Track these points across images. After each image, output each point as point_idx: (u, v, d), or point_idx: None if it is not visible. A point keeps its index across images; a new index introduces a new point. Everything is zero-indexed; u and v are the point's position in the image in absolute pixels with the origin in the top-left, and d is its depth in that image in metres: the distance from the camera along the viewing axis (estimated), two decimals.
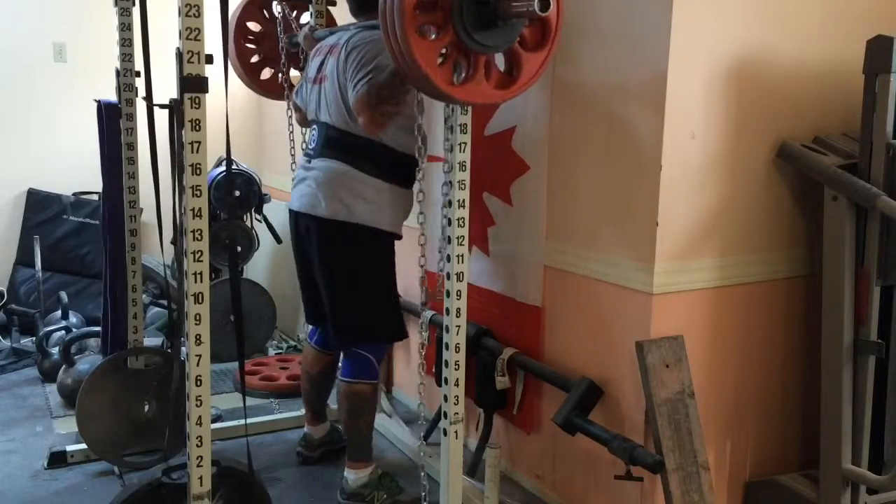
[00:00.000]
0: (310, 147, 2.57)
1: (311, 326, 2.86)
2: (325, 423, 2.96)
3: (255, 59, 3.09)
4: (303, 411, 3.23)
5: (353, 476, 2.60)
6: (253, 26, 3.06)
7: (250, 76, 3.09)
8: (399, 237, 2.59)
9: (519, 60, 1.70)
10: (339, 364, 2.72)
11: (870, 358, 2.18)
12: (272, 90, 3.09)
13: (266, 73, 3.12)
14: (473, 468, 2.78)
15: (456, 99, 1.71)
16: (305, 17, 3.05)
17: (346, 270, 2.51)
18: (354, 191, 2.43)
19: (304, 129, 2.81)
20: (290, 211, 2.59)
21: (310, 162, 2.53)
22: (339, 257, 2.50)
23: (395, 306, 2.63)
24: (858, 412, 2.20)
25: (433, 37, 1.61)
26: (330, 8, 3.01)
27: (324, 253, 2.52)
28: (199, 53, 1.69)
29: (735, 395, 2.41)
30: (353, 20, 2.60)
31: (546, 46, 1.74)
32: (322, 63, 2.51)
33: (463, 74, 1.69)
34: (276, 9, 3.03)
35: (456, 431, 2.09)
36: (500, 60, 1.81)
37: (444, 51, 1.65)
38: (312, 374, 2.86)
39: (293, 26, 2.95)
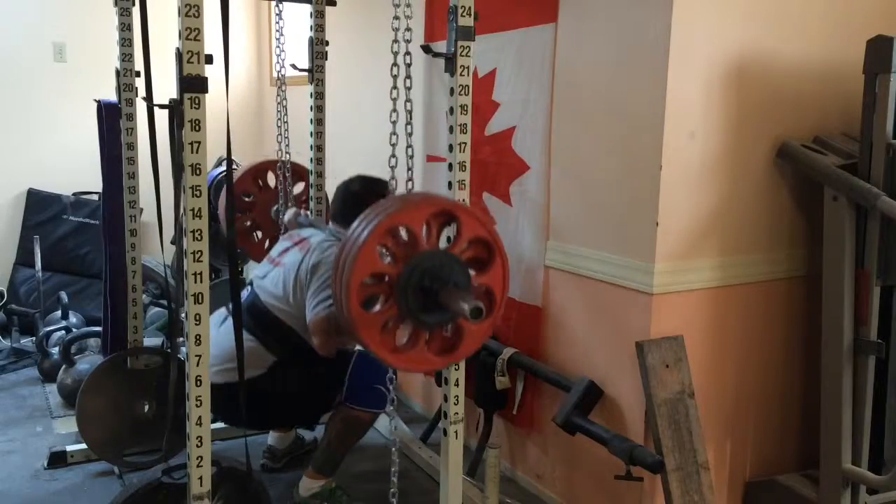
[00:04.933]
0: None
1: None
2: (291, 432, 2.94)
3: (246, 223, 3.20)
4: None
5: (308, 485, 2.57)
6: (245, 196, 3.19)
7: (241, 240, 3.18)
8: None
9: (461, 332, 1.72)
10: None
11: (870, 358, 2.18)
12: (262, 254, 3.07)
13: (256, 237, 3.20)
14: (473, 468, 2.78)
15: (394, 366, 1.74)
16: (299, 187, 3.17)
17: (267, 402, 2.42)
18: (252, 362, 2.34)
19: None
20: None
21: (225, 321, 2.46)
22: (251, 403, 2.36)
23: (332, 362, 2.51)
24: (858, 412, 2.20)
25: (378, 307, 1.64)
26: (329, 8, 3.01)
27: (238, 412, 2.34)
28: (198, 53, 1.69)
29: (735, 395, 2.41)
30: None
31: (490, 318, 1.73)
32: (286, 249, 2.56)
33: (405, 340, 1.70)
34: (271, 179, 3.17)
35: (456, 431, 2.09)
36: None
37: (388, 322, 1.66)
38: None
39: (282, 196, 3.04)
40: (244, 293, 2.56)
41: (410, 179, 1.99)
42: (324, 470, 2.59)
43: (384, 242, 1.61)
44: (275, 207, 3.11)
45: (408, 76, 1.95)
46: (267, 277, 2.54)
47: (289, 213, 2.90)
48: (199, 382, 1.81)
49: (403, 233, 1.65)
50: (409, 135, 1.94)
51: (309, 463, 2.63)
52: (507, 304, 2.76)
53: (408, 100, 1.89)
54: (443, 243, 1.72)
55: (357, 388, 2.52)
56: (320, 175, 3.06)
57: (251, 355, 2.37)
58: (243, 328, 2.32)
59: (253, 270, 2.80)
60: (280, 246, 2.65)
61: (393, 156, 1.98)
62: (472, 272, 1.68)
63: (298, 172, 3.13)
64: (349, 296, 1.58)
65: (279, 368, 2.46)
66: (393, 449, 1.98)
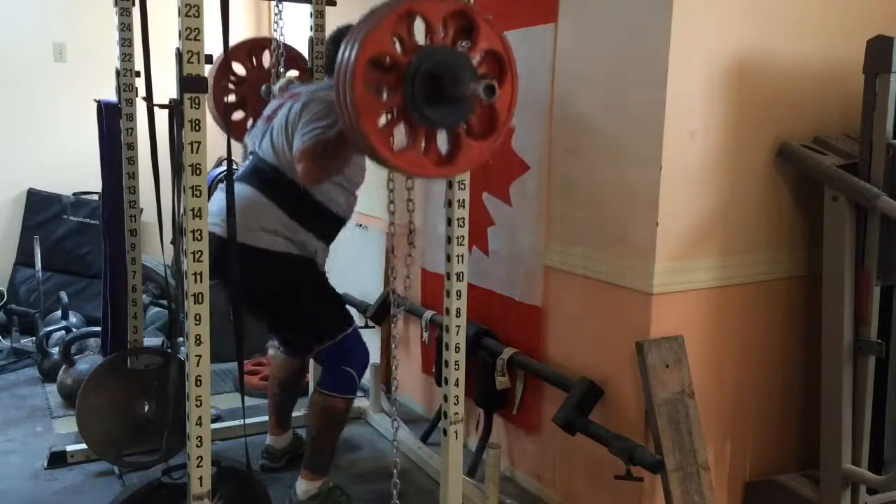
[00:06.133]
0: (236, 176, 2.53)
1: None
2: (289, 432, 2.95)
3: (230, 98, 3.11)
4: (303, 411, 3.24)
5: (304, 487, 2.56)
6: (237, 68, 3.10)
7: (221, 113, 3.07)
8: (311, 261, 2.52)
9: (460, 145, 1.69)
10: (317, 373, 2.66)
11: (870, 358, 2.18)
12: (240, 133, 3.03)
13: (237, 116, 3.13)
14: (473, 468, 2.78)
15: (390, 163, 1.67)
16: (292, 74, 3.07)
17: (266, 292, 2.47)
18: (265, 221, 2.38)
19: None
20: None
21: None
22: (254, 281, 2.40)
23: (332, 309, 2.58)
24: (858, 412, 2.20)
25: (383, 97, 1.61)
26: (329, 8, 3.01)
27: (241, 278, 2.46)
28: (198, 53, 1.69)
29: (735, 395, 2.41)
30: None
31: (491, 137, 1.72)
32: (279, 106, 2.53)
33: (404, 142, 1.68)
34: (266, 58, 3.07)
35: (456, 431, 2.09)
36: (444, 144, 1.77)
37: (388, 117, 1.63)
38: (280, 378, 2.83)
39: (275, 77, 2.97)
40: (244, 164, 2.56)
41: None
42: (316, 469, 2.57)
43: (397, 30, 1.56)
44: (264, 86, 2.97)
45: None
46: (265, 136, 2.51)
47: (280, 82, 2.81)
48: (199, 382, 1.81)
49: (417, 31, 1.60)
50: None
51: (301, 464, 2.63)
52: (507, 304, 2.79)
53: None
54: None
55: (329, 374, 2.53)
56: None
57: (266, 211, 2.40)
58: (252, 188, 2.44)
59: (247, 138, 2.73)
60: (273, 104, 2.61)
61: None
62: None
63: (294, 58, 3.04)
64: (354, 76, 1.52)
65: (303, 266, 2.48)
66: (394, 450, 1.98)
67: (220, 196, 2.46)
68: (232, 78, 3.07)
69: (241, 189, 2.43)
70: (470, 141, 1.69)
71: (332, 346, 2.50)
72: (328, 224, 2.54)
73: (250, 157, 2.56)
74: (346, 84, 1.54)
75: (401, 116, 1.62)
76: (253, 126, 2.74)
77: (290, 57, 3.00)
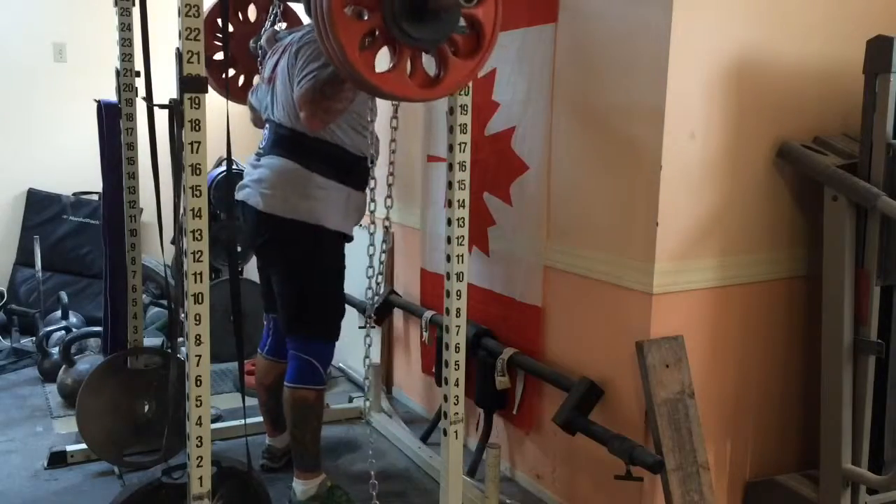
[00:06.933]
0: (260, 146, 2.56)
1: (263, 337, 2.86)
2: (287, 433, 2.95)
3: (219, 56, 2.99)
4: None
5: (302, 487, 2.56)
6: (222, 23, 3.04)
7: (212, 72, 3.03)
8: (349, 238, 2.55)
9: (447, 64, 1.68)
10: None
11: (870, 358, 2.18)
12: (231, 91, 3.01)
13: (227, 73, 3.09)
14: (473, 468, 2.78)
15: (375, 86, 1.64)
16: (279, 26, 3.02)
17: (287, 265, 2.50)
18: (299, 188, 2.41)
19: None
20: (238, 203, 2.54)
21: (259, 160, 2.52)
22: (281, 252, 2.48)
23: (334, 306, 2.59)
24: (858, 412, 2.20)
25: (365, 17, 1.58)
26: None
27: (268, 247, 2.52)
28: (198, 53, 1.69)
29: (735, 395, 2.41)
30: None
31: (477, 56, 1.72)
32: (276, 63, 2.52)
33: (389, 65, 1.65)
34: (252, 12, 3.02)
35: (456, 431, 2.09)
36: (430, 66, 1.77)
37: (369, 40, 1.61)
38: (266, 384, 2.83)
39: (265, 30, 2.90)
40: (264, 133, 2.55)
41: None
42: (305, 466, 2.57)
43: None
44: (252, 40, 2.92)
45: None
46: (274, 101, 2.49)
47: (266, 34, 2.79)
48: (199, 382, 1.81)
49: None
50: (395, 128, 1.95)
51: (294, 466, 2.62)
52: (507, 304, 2.79)
53: None
54: None
55: (294, 364, 2.53)
56: None
57: (298, 178, 2.40)
58: (280, 158, 2.45)
59: (251, 97, 2.73)
60: (269, 64, 2.60)
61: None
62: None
63: (285, 10, 2.98)
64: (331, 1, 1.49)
65: (333, 248, 2.52)
66: (370, 448, 1.97)
67: (249, 170, 2.54)
68: (219, 34, 2.97)
69: (269, 162, 2.47)
70: (456, 60, 1.68)
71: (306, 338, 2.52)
72: (361, 173, 2.48)
73: (268, 126, 2.55)
74: (325, 9, 1.52)
75: (383, 38, 1.60)
76: (255, 88, 2.74)
77: (283, 11, 2.95)
